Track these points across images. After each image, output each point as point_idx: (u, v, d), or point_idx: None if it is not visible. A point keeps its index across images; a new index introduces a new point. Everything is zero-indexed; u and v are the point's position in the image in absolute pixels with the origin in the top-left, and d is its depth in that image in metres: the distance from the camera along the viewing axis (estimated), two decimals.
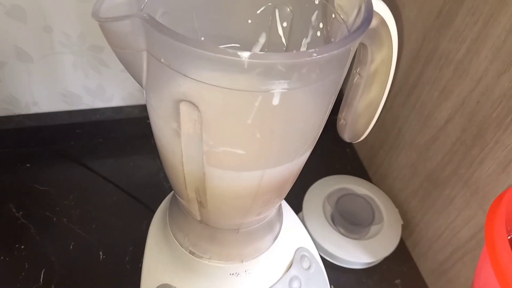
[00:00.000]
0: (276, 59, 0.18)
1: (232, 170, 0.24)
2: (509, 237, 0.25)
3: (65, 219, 0.47)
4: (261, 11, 0.29)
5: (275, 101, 0.20)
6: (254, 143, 0.22)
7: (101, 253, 0.45)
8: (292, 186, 0.32)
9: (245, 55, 0.17)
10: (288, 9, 0.28)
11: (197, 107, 0.20)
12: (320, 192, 0.51)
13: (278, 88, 0.19)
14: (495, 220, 0.23)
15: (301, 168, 0.29)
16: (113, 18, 0.18)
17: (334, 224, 0.48)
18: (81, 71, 0.49)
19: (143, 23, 0.18)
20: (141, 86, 0.23)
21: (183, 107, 0.21)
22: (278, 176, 0.26)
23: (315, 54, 0.18)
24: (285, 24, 0.29)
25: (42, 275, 0.42)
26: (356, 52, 0.28)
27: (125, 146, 0.55)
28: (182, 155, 0.24)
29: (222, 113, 0.21)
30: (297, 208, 0.49)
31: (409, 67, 0.47)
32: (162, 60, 0.19)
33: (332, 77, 0.21)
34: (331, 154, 0.60)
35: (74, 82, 0.50)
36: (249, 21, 0.29)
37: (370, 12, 0.21)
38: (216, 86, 0.19)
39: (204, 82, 0.19)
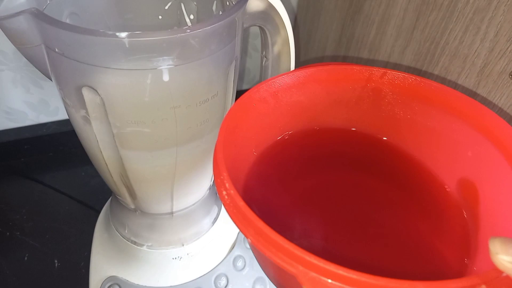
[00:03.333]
0: (154, 36, 0.20)
1: (144, 150, 0.26)
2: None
3: (18, 233, 0.48)
4: (169, 6, 0.31)
5: (165, 77, 0.22)
6: (158, 121, 0.24)
7: (56, 261, 0.46)
8: None
9: (123, 35, 0.19)
10: (193, 3, 0.31)
11: (96, 91, 0.22)
12: None
13: (164, 65, 0.21)
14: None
15: None
16: (5, 17, 0.20)
17: None
18: (21, 87, 0.50)
19: (32, 18, 0.20)
20: (51, 80, 0.25)
21: (85, 92, 0.23)
22: (193, 153, 0.28)
23: (188, 31, 0.20)
24: (192, 17, 0.31)
25: None
26: (261, 36, 0.31)
27: (75, 157, 0.56)
28: (97, 141, 0.26)
29: (120, 94, 0.23)
30: None
31: (334, 56, 0.50)
32: (56, 49, 0.21)
33: (219, 53, 0.23)
34: None
35: (16, 99, 0.51)
36: (160, 17, 0.32)
37: None
38: (107, 68, 0.21)
39: (96, 65, 0.21)
